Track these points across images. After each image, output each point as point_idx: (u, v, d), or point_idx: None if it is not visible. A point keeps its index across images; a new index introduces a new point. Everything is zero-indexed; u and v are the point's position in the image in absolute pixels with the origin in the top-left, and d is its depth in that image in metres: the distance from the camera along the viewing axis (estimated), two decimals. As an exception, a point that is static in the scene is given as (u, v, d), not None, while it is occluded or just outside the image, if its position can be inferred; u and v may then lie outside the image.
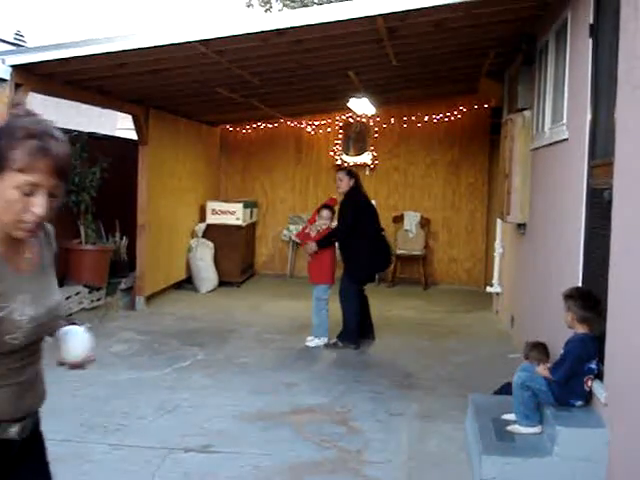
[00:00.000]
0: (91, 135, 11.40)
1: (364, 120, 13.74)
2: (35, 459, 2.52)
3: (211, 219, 12.72)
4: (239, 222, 12.68)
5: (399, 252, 13.05)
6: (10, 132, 2.18)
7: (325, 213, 8.80)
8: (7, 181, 2.16)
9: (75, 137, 10.32)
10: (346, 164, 13.61)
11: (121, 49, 6.87)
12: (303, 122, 13.92)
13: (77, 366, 2.49)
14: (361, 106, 12.09)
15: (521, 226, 8.36)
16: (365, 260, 8.73)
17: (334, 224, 8.92)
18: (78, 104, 9.25)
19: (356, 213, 8.61)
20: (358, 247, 8.64)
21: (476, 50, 9.05)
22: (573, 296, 4.95)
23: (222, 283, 12.54)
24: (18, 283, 2.26)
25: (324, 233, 8.79)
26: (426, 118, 13.50)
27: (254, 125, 14.08)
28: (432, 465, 5.21)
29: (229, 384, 7.07)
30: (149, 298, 10.66)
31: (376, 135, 13.76)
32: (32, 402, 2.42)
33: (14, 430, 2.36)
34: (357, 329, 8.65)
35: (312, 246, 8.77)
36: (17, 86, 7.03)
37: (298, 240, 9.61)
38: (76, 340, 2.49)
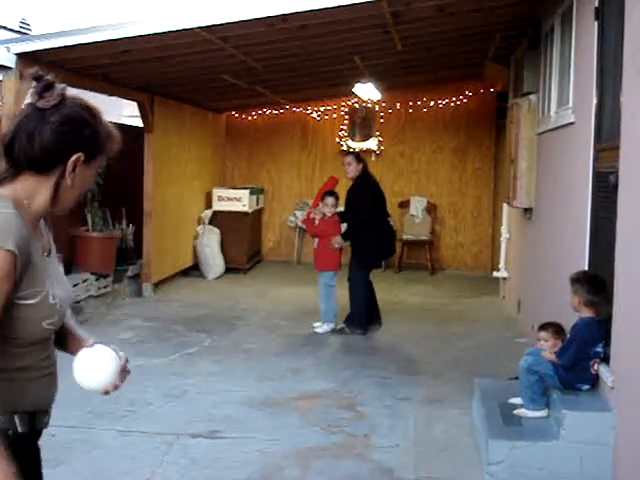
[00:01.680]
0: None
1: (370, 105, 13.71)
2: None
3: (217, 206, 12.73)
4: (245, 208, 12.69)
5: (405, 237, 13.05)
6: (98, 118, 2.19)
7: (330, 200, 8.73)
8: (94, 165, 2.21)
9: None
10: (352, 150, 13.60)
11: (126, 36, 6.86)
12: (308, 108, 13.89)
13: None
14: (366, 91, 12.06)
15: (527, 211, 8.35)
16: (374, 246, 8.73)
17: (340, 209, 8.91)
18: (83, 91, 9.23)
19: (371, 204, 8.59)
20: (367, 234, 8.62)
21: (481, 34, 9.01)
22: (580, 280, 4.94)
23: (229, 270, 12.56)
24: (45, 265, 2.20)
25: (333, 220, 8.77)
26: (432, 103, 13.46)
27: (260, 112, 14.06)
28: (439, 450, 5.22)
29: (236, 370, 7.09)
30: (156, 285, 10.69)
31: (382, 120, 13.73)
32: (55, 391, 2.35)
33: (46, 421, 2.32)
34: (365, 315, 8.67)
35: (338, 240, 8.73)
36: (22, 74, 7.04)
37: (304, 226, 9.58)
38: (100, 365, 2.30)
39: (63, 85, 2.19)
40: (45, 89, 2.13)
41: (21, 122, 2.12)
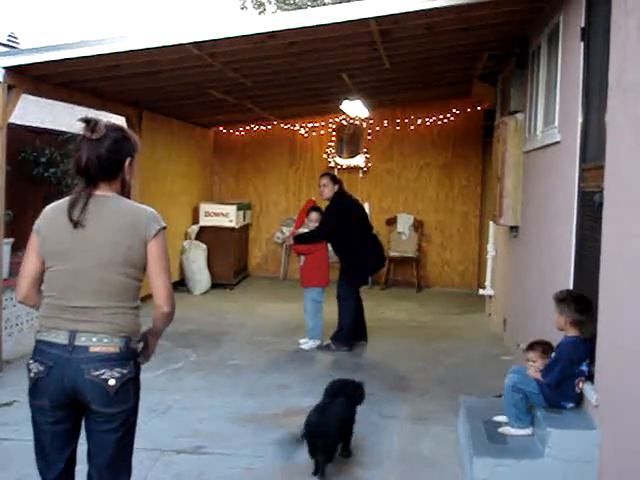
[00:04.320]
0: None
1: (357, 122, 13.76)
2: None
3: (204, 221, 12.72)
4: (232, 224, 12.68)
5: (392, 254, 13.06)
6: (127, 132, 3.32)
7: (314, 215, 8.81)
8: (133, 161, 3.32)
9: (68, 139, 10.32)
10: (339, 166, 13.65)
11: (114, 51, 6.88)
12: (296, 124, 13.93)
13: None
14: (354, 108, 12.10)
15: (513, 229, 8.38)
16: (361, 262, 8.76)
17: None
18: (72, 106, 9.24)
19: (338, 219, 8.62)
20: (353, 250, 8.66)
21: (469, 53, 9.07)
22: (566, 299, 4.94)
23: (215, 285, 12.54)
24: None
25: None
26: (419, 121, 13.52)
27: (247, 127, 14.09)
28: (424, 467, 5.22)
29: (222, 386, 7.07)
30: (142, 300, 10.60)
31: (369, 137, 13.78)
32: None
33: None
34: (351, 332, 8.67)
35: (289, 240, 9.02)
36: (10, 88, 7.03)
37: (290, 241, 9.58)
38: None
39: (103, 120, 3.23)
40: (94, 126, 3.16)
41: (84, 152, 3.15)
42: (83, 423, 3.30)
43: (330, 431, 4.95)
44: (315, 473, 4.90)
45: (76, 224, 3.13)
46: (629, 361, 3.93)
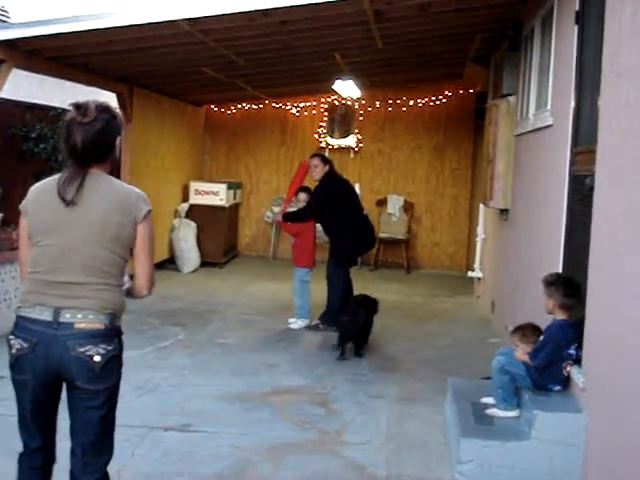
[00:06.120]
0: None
1: (349, 103, 13.73)
2: None
3: (194, 199, 12.69)
4: (222, 203, 12.66)
5: (382, 236, 13.07)
6: (113, 111, 3.26)
7: (302, 196, 8.78)
8: (121, 137, 3.32)
9: (59, 114, 10.27)
10: (331, 147, 13.63)
11: (106, 26, 6.82)
12: (288, 104, 13.89)
13: None
14: (346, 89, 12.06)
15: (504, 212, 8.39)
16: (350, 243, 8.74)
17: None
18: (63, 81, 9.19)
19: (325, 201, 8.58)
20: (343, 231, 8.63)
21: (462, 35, 9.04)
22: (555, 283, 4.96)
23: (204, 264, 12.53)
24: None
25: None
26: (411, 102, 13.50)
27: (239, 106, 14.05)
28: (411, 447, 5.24)
29: (210, 364, 7.08)
30: (130, 277, 10.61)
31: (361, 118, 13.76)
32: None
33: None
34: (339, 312, 8.67)
35: (278, 216, 9.11)
36: (0, 62, 6.98)
37: (279, 217, 9.52)
38: None
39: (92, 101, 3.19)
40: (86, 110, 3.12)
41: (77, 136, 3.10)
42: (65, 400, 3.30)
43: (358, 324, 7.47)
44: (341, 356, 7.38)
45: (69, 203, 3.10)
46: (616, 345, 3.95)
